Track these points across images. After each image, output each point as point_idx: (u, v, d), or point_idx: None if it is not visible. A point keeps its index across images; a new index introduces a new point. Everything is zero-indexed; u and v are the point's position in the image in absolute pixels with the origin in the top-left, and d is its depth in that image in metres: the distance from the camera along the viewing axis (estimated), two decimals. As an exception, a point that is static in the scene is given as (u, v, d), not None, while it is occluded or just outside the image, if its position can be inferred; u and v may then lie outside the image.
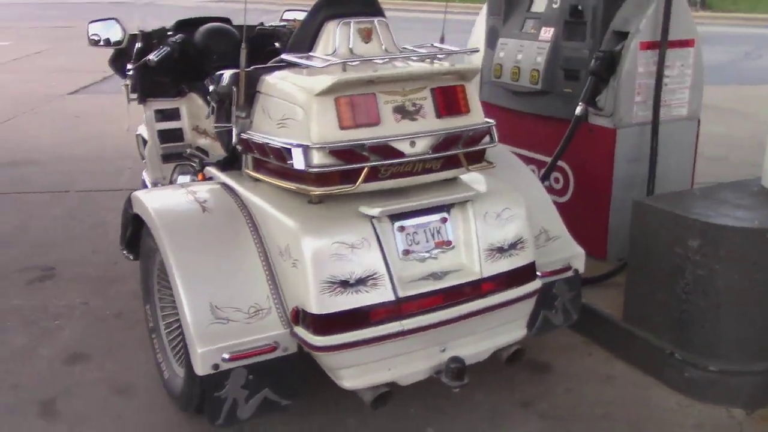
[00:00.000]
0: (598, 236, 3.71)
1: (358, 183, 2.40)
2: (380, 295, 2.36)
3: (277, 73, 2.63)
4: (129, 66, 3.73)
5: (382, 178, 2.47)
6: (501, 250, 2.59)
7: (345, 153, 2.37)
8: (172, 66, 3.63)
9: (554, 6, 3.80)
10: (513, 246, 2.62)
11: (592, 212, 3.73)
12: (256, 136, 2.59)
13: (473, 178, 2.76)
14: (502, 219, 2.62)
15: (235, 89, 2.68)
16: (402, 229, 2.48)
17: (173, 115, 3.78)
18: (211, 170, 2.95)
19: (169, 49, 3.57)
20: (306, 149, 2.35)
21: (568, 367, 3.14)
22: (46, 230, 4.70)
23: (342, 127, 2.38)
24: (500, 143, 2.80)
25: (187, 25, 3.86)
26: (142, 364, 3.08)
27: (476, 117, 2.62)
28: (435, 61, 2.72)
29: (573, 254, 2.97)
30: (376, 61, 2.59)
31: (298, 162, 2.37)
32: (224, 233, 2.54)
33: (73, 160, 6.22)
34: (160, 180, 3.85)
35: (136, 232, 2.93)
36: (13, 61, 12.02)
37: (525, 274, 2.65)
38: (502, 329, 2.68)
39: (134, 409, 2.85)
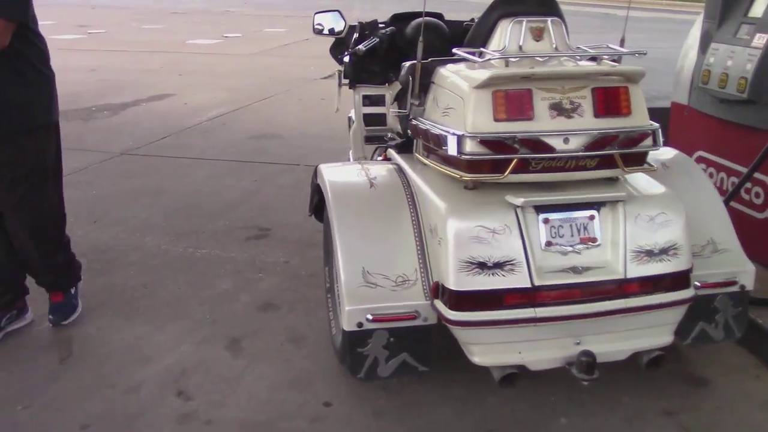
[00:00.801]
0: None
1: (506, 173, 2.54)
2: (516, 280, 2.49)
3: (449, 66, 2.83)
4: (345, 53, 4.12)
5: (533, 170, 2.58)
6: (650, 254, 2.59)
7: (495, 143, 2.51)
8: (381, 56, 3.95)
9: (772, 10, 3.60)
10: (664, 251, 2.60)
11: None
12: (423, 123, 2.81)
13: (635, 180, 2.77)
14: (656, 223, 2.62)
15: (411, 78, 2.92)
16: (547, 221, 2.58)
17: (379, 101, 4.10)
18: (391, 152, 3.23)
19: (378, 40, 3.89)
20: (460, 138, 2.53)
21: (727, 386, 3.02)
22: (273, 197, 5.30)
23: (496, 119, 2.53)
24: (679, 151, 2.77)
25: (402, 19, 4.16)
26: (319, 319, 3.44)
27: (638, 119, 2.62)
28: (606, 60, 2.76)
29: (741, 269, 2.87)
30: (538, 59, 2.70)
31: (452, 148, 2.56)
32: (385, 208, 2.79)
33: (309, 137, 6.87)
34: (361, 159, 4.20)
35: (321, 200, 3.29)
36: (284, 47, 13.30)
37: (676, 280, 2.62)
38: (645, 332, 2.67)
39: (302, 356, 3.22)
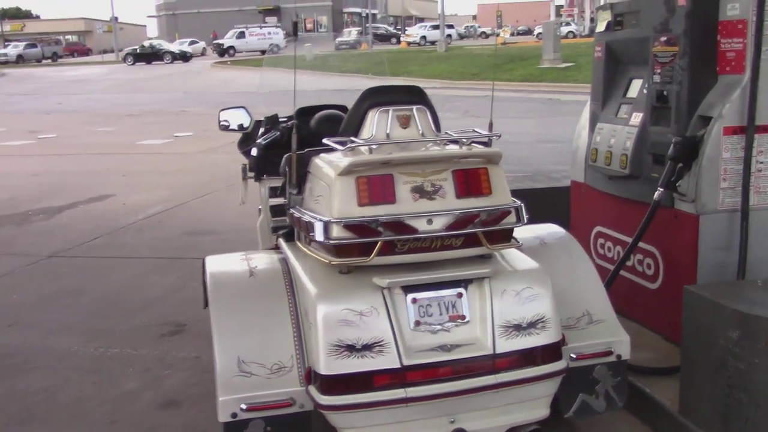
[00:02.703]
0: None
1: (372, 256, 2.61)
2: (385, 361, 2.52)
3: (323, 155, 2.94)
4: (251, 147, 4.24)
5: (400, 252, 2.65)
6: (519, 328, 2.65)
7: (359, 227, 2.59)
8: (284, 148, 4.07)
9: (644, 91, 3.79)
10: (533, 325, 2.66)
11: (679, 300, 3.59)
12: (298, 211, 2.89)
13: (509, 257, 2.86)
14: (522, 297, 2.69)
15: (288, 169, 3.02)
16: (415, 300, 2.63)
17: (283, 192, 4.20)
18: (280, 241, 3.30)
19: (278, 133, 4.02)
20: (326, 224, 2.61)
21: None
22: (196, 291, 5.28)
23: (360, 204, 2.62)
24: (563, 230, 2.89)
25: (306, 113, 4.30)
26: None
27: (499, 198, 2.73)
28: (476, 145, 2.90)
29: (616, 339, 2.93)
30: (400, 144, 2.82)
31: (318, 234, 2.63)
32: (264, 296, 2.83)
33: (245, 231, 6.81)
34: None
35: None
36: (231, 143, 13.45)
37: (546, 353, 2.67)
38: (520, 407, 2.70)
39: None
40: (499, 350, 2.61)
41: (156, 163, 11.33)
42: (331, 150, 2.97)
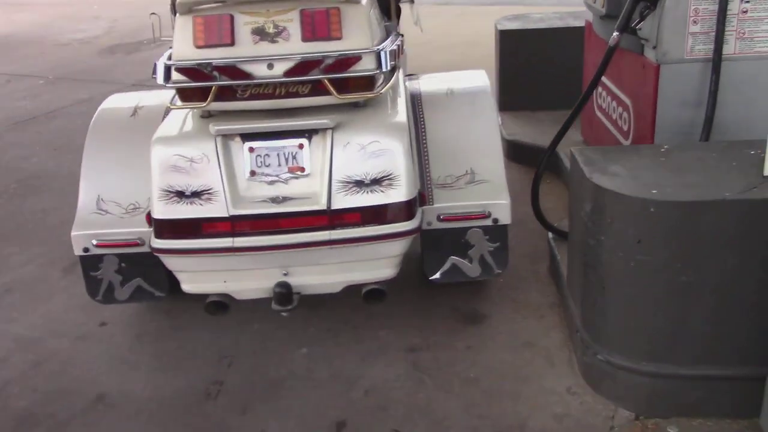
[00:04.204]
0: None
1: (208, 101, 2.52)
2: (212, 210, 2.50)
3: None
4: None
5: (240, 98, 2.54)
6: (360, 184, 2.49)
7: (192, 71, 2.50)
8: None
9: None
10: (377, 182, 2.50)
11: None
12: None
13: (378, 108, 2.65)
14: (367, 152, 2.50)
15: None
16: (252, 150, 2.54)
17: None
18: None
19: None
20: (165, 66, 2.54)
21: (497, 326, 2.87)
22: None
23: (196, 46, 2.50)
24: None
25: None
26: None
27: (352, 42, 2.49)
28: None
29: (495, 202, 2.68)
30: None
31: (159, 78, 2.56)
32: (140, 137, 2.80)
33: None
34: None
35: None
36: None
37: (390, 212, 2.52)
38: (361, 266, 2.60)
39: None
40: (334, 206, 2.48)
41: None
42: None
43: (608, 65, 3.02)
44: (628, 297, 2.26)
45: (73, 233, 2.72)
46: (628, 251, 2.21)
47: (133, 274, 2.76)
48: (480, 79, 3.03)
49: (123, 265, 2.75)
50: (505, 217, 2.69)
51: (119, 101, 3.09)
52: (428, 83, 3.03)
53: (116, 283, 2.78)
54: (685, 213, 2.11)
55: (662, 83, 2.99)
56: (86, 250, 2.72)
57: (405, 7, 3.83)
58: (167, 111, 2.85)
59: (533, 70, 4.67)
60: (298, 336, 2.88)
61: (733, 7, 2.85)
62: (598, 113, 3.81)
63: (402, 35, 3.11)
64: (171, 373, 2.75)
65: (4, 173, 4.76)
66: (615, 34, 2.99)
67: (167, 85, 2.54)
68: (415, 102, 2.88)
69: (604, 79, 3.71)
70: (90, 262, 2.76)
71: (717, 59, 2.88)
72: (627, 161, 2.40)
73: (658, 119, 3.04)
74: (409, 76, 3.26)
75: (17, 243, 3.80)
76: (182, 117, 2.68)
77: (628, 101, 3.31)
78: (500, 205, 2.68)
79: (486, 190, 2.71)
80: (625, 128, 3.39)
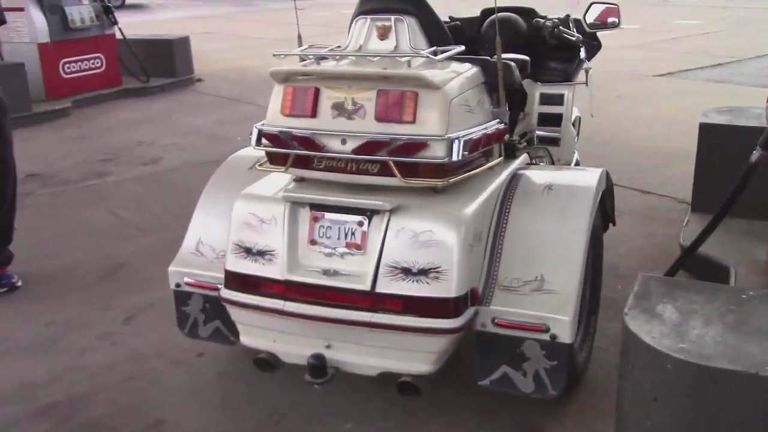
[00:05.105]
0: None
1: (286, 167, 2.65)
2: (271, 270, 2.61)
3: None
4: None
5: (316, 168, 2.62)
6: (407, 272, 2.44)
7: (275, 137, 2.64)
8: None
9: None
10: (424, 272, 2.43)
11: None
12: None
13: (454, 195, 2.58)
14: (418, 240, 2.45)
15: None
16: (316, 219, 2.60)
17: None
18: None
19: None
20: (258, 130, 2.71)
21: None
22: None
23: (283, 114, 2.64)
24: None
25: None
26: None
27: (422, 128, 2.46)
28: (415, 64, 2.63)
29: (554, 317, 2.45)
30: (350, 57, 2.68)
31: (252, 140, 2.74)
32: (243, 189, 2.99)
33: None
34: None
35: None
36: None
37: (433, 306, 2.43)
38: (398, 355, 2.52)
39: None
40: (378, 289, 2.46)
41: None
42: None
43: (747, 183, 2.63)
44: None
45: (170, 268, 2.97)
46: (644, 408, 1.89)
47: (214, 316, 2.95)
48: (590, 179, 2.79)
49: (207, 305, 2.95)
50: (564, 335, 2.44)
51: (248, 152, 3.31)
52: (532, 175, 2.85)
53: (200, 320, 2.98)
54: (702, 380, 1.76)
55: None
56: (178, 285, 2.97)
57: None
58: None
59: (737, 171, 4.13)
60: (346, 409, 2.85)
61: None
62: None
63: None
64: (227, 415, 2.88)
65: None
66: (757, 151, 2.60)
67: (255, 147, 2.70)
68: (507, 194, 2.73)
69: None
70: (181, 297, 2.99)
71: None
72: (688, 301, 2.06)
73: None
74: None
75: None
76: (277, 179, 2.81)
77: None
78: (561, 322, 2.43)
79: (550, 302, 2.48)
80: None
